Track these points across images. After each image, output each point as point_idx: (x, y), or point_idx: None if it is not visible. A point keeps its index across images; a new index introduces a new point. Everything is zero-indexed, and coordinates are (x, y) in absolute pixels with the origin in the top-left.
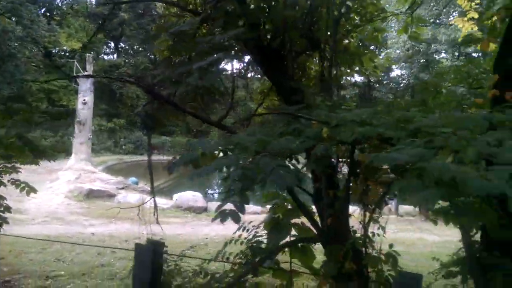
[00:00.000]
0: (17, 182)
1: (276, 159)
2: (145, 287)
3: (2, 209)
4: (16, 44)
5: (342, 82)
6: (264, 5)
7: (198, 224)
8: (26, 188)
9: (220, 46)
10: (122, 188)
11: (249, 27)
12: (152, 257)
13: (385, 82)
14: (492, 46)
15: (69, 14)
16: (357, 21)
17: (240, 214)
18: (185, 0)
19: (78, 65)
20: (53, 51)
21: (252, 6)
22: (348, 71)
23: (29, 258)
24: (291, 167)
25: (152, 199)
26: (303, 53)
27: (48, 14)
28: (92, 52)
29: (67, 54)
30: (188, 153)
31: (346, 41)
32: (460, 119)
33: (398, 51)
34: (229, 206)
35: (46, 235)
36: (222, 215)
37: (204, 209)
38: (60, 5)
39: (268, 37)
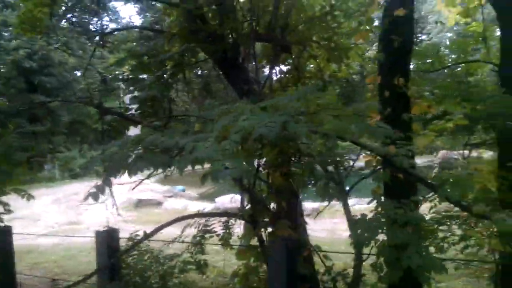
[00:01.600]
0: (18, 190)
1: (145, 153)
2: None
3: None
4: (77, 74)
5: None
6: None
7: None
8: (26, 195)
9: (176, 60)
10: (170, 196)
11: (212, 41)
12: (109, 242)
13: None
14: None
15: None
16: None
17: (100, 194)
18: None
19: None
20: (108, 76)
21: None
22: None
23: (78, 260)
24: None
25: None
26: (278, 57)
27: (101, 42)
28: None
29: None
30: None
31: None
32: (241, 108)
33: None
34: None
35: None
36: (86, 196)
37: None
38: (112, 33)
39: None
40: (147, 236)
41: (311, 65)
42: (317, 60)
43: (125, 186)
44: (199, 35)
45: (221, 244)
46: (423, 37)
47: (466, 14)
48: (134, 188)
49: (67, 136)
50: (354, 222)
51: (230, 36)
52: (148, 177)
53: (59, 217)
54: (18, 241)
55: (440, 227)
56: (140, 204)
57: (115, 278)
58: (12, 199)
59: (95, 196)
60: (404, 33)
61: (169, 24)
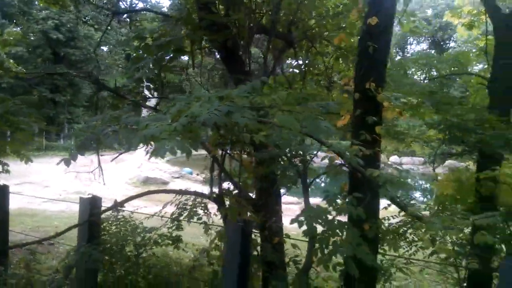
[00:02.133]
0: (17, 153)
1: (115, 128)
2: (85, 228)
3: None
4: (104, 49)
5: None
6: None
7: None
8: (24, 158)
9: (175, 45)
10: (177, 177)
11: (216, 30)
12: (91, 208)
13: None
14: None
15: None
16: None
17: (72, 161)
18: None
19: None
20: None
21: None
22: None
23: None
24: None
25: None
26: (283, 51)
27: (128, 20)
28: None
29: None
30: None
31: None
32: (204, 97)
33: None
34: None
35: None
36: (60, 161)
37: None
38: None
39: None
40: (117, 204)
41: (324, 63)
42: (325, 58)
43: (132, 162)
44: (203, 22)
45: (187, 220)
46: (452, 44)
47: (470, 26)
48: (113, 160)
49: (87, 108)
50: (301, 212)
51: (234, 27)
52: (126, 151)
53: (67, 185)
54: (25, 204)
55: (410, 231)
56: (147, 181)
57: (93, 241)
58: (24, 165)
59: (67, 162)
60: (379, 41)
61: (176, 10)
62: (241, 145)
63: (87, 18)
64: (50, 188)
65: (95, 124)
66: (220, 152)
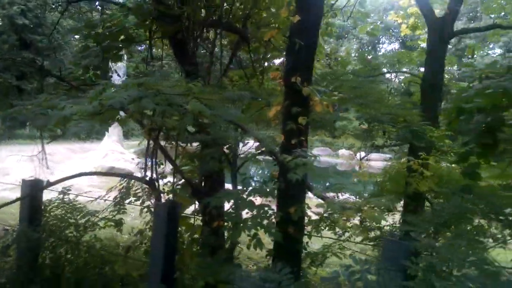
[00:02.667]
0: None
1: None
2: (25, 209)
3: None
4: (75, 37)
5: None
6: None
7: None
8: None
9: (124, 35)
10: (142, 168)
11: (169, 22)
12: (32, 190)
13: None
14: None
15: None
16: None
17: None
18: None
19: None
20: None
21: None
22: None
23: None
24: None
25: None
26: (238, 45)
27: (100, 8)
28: None
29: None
30: None
31: None
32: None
33: None
34: None
35: None
36: None
37: None
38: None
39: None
40: (49, 184)
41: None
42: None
43: (98, 152)
44: (154, 13)
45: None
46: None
47: (414, 27)
48: (49, 142)
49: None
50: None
51: (186, 19)
52: (63, 135)
53: (29, 173)
54: None
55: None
56: (112, 171)
57: (34, 222)
58: None
59: None
60: (307, 38)
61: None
62: (176, 131)
63: (55, 5)
64: (10, 175)
65: (28, 107)
66: (155, 137)
